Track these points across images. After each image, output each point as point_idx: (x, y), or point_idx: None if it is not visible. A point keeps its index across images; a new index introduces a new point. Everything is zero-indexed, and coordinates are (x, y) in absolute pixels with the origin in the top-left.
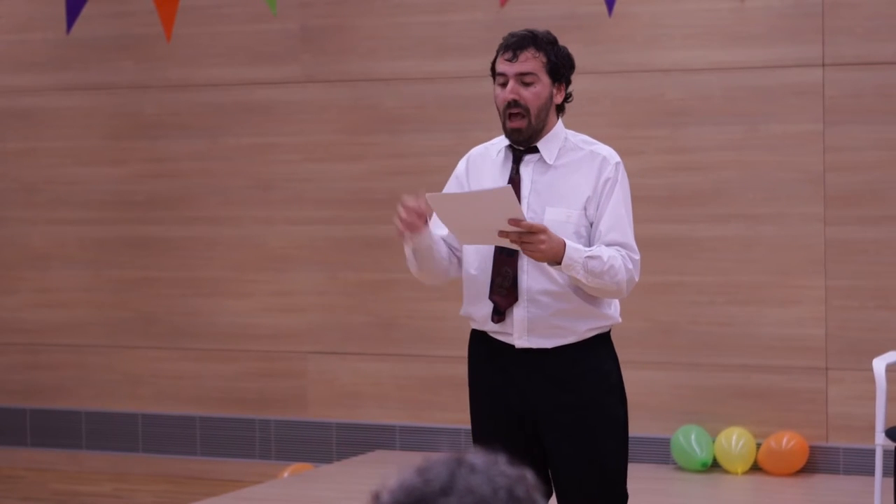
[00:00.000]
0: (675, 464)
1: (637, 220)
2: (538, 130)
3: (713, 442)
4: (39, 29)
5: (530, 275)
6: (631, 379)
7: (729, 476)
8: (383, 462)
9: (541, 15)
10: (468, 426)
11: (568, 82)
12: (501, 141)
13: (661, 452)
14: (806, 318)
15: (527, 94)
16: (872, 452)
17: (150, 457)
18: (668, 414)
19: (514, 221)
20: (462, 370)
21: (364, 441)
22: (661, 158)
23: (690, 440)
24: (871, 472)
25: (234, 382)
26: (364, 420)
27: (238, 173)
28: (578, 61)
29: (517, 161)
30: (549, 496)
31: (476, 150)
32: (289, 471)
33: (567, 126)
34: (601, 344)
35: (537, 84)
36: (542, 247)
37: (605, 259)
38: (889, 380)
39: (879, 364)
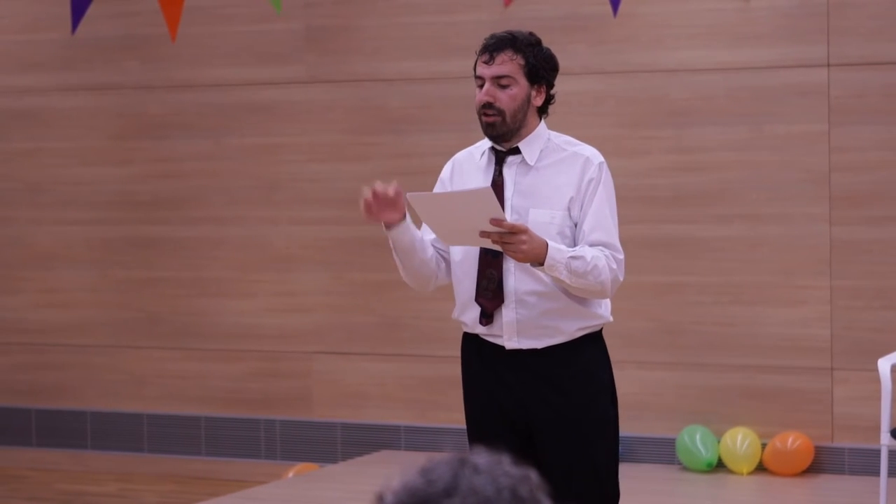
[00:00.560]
0: (680, 464)
1: (641, 220)
2: (514, 130)
3: (718, 442)
4: (44, 29)
5: (517, 276)
6: (636, 379)
7: (734, 476)
8: (388, 462)
9: (545, 15)
10: None
11: (550, 84)
12: (484, 143)
13: (666, 453)
14: (811, 319)
15: (502, 97)
16: (878, 453)
17: (155, 457)
18: (673, 414)
19: (496, 221)
20: None
21: (369, 441)
22: (666, 158)
23: (695, 440)
24: (877, 473)
25: (239, 382)
26: (369, 420)
27: (243, 173)
28: (583, 61)
29: (500, 163)
30: None
31: (460, 154)
32: (294, 471)
33: (570, 126)
34: (592, 343)
35: (514, 87)
36: (524, 247)
37: (589, 259)
38: (894, 380)
39: (885, 364)
